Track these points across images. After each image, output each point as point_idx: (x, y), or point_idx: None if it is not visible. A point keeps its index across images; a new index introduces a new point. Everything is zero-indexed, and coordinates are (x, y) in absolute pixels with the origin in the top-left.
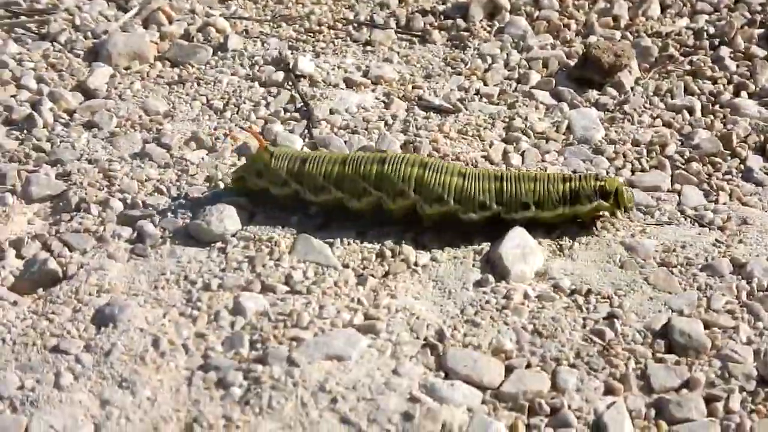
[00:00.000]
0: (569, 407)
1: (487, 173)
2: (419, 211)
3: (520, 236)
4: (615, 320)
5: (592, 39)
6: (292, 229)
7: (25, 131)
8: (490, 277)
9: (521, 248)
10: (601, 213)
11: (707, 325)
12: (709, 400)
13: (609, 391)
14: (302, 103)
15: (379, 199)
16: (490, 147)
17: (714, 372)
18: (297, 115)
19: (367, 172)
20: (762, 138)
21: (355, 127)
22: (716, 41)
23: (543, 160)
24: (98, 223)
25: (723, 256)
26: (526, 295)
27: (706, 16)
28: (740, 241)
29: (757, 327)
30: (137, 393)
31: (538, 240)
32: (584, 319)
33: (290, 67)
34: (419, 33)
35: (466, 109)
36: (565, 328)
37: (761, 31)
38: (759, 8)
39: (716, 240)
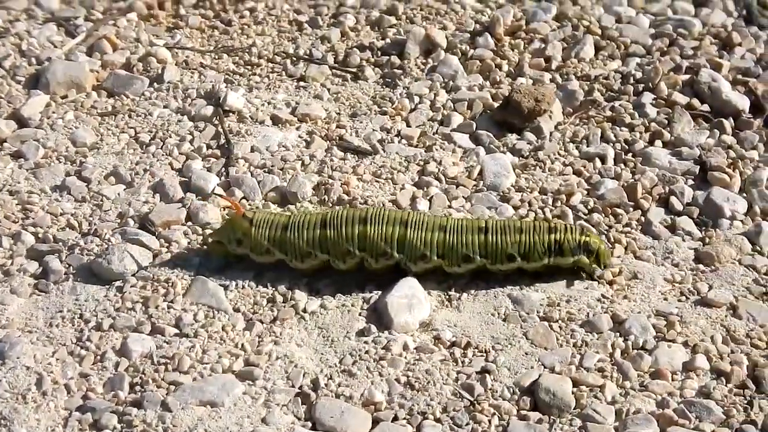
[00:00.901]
0: None
1: (471, 225)
2: (404, 268)
3: (409, 286)
4: (487, 375)
5: (520, 81)
6: (191, 271)
7: None
8: (373, 327)
9: (408, 298)
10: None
11: (576, 383)
12: None
13: None
14: (225, 140)
15: (363, 259)
16: (400, 191)
17: (572, 431)
18: (218, 152)
19: (350, 234)
20: (667, 190)
21: (272, 166)
22: (641, 86)
23: (450, 206)
24: (7, 256)
25: (605, 312)
26: (405, 347)
27: (638, 59)
28: (625, 297)
29: (624, 386)
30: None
31: (428, 290)
32: (458, 372)
33: (220, 101)
34: (354, 69)
35: (384, 151)
36: (438, 381)
37: (686, 77)
38: (690, 52)
39: (602, 295)
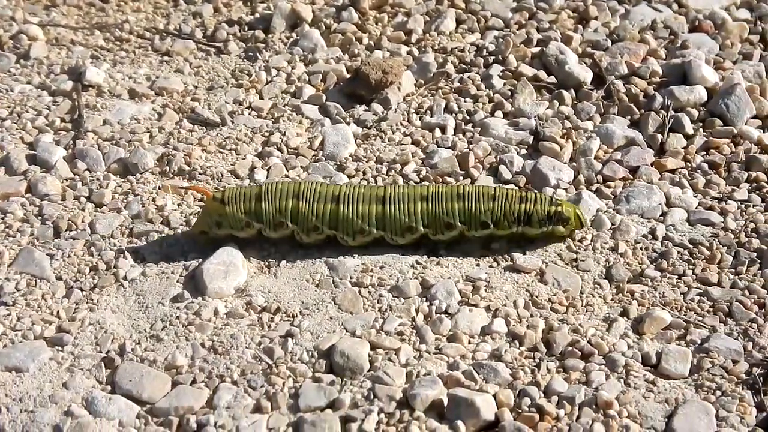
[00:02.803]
0: (215, 424)
1: (450, 192)
2: (389, 242)
3: (228, 253)
4: (289, 339)
5: (377, 54)
6: (22, 241)
7: None
8: (188, 293)
9: (225, 265)
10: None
11: (373, 347)
12: (347, 420)
13: (258, 409)
14: (78, 114)
15: (334, 236)
16: (241, 161)
17: (362, 393)
18: (70, 125)
19: (320, 212)
20: (497, 159)
21: (120, 138)
22: (491, 59)
23: (287, 176)
24: None
25: (415, 278)
26: (216, 312)
27: (496, 32)
28: (437, 264)
29: (419, 349)
30: None
31: (249, 258)
32: (262, 336)
33: (80, 76)
34: (219, 44)
35: (233, 123)
36: (241, 345)
37: (536, 49)
38: (547, 26)
39: (416, 261)
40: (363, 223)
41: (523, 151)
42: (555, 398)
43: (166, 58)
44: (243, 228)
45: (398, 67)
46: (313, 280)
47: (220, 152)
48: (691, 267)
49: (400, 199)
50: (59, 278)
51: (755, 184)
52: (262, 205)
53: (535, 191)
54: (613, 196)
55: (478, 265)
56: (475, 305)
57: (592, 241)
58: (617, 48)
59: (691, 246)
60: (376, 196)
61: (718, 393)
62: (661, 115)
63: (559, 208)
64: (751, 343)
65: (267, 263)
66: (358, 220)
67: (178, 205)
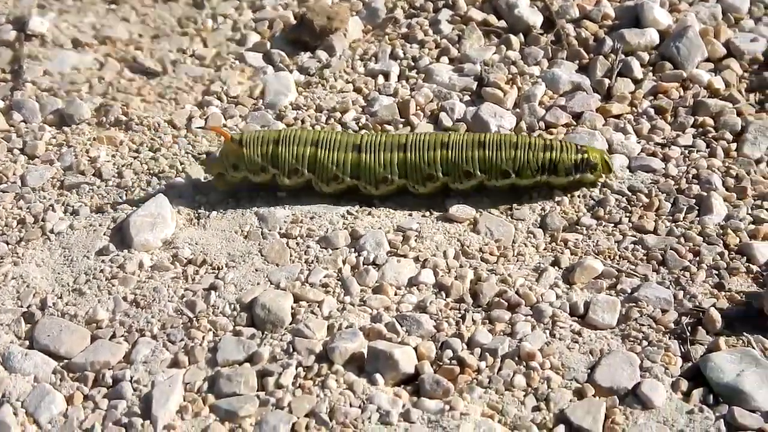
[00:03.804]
0: (130, 379)
1: (471, 140)
2: (411, 190)
3: (156, 204)
4: (213, 292)
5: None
6: None
7: None
8: (113, 246)
9: (153, 217)
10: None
11: (297, 299)
12: (264, 374)
13: (175, 363)
14: (18, 65)
15: (356, 185)
16: (179, 110)
17: (281, 346)
18: (9, 76)
19: (341, 161)
20: (439, 106)
21: (59, 89)
22: (441, 3)
23: (225, 125)
24: None
25: (344, 228)
26: (140, 265)
27: None
28: (369, 214)
29: (343, 301)
30: None
31: (178, 208)
32: (186, 290)
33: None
34: None
35: (174, 72)
36: (163, 299)
37: None
38: None
39: (347, 212)
40: (385, 171)
41: (466, 98)
42: (478, 350)
43: (113, 6)
44: (259, 172)
45: (344, 13)
46: (242, 231)
47: (159, 102)
48: (627, 215)
49: (421, 146)
50: None
51: (701, 129)
52: (280, 149)
53: (561, 139)
54: None
55: (410, 215)
56: (404, 256)
57: (528, 189)
58: None
59: (630, 193)
60: (397, 143)
61: (645, 343)
62: (610, 59)
63: (586, 155)
64: (682, 292)
65: (197, 214)
66: (380, 168)
67: (112, 156)
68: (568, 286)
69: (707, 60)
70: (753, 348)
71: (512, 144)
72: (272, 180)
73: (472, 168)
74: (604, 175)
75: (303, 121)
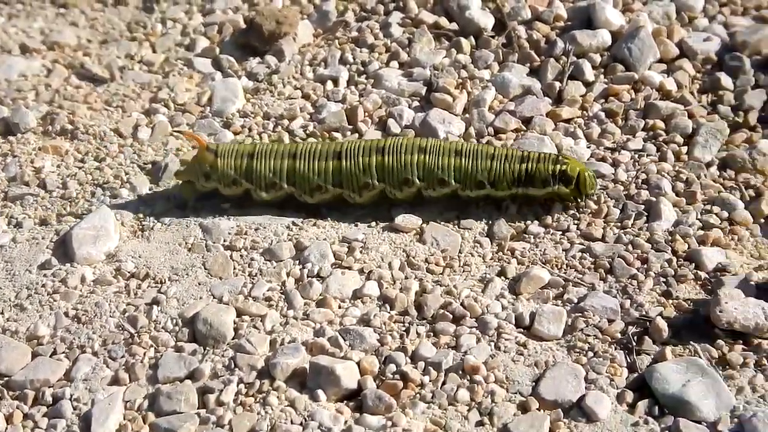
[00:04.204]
0: (70, 397)
1: (448, 148)
2: (389, 195)
3: (99, 217)
4: (155, 306)
5: (276, 3)
6: None
7: None
8: (55, 260)
9: (96, 230)
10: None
11: (240, 313)
12: (205, 391)
13: (115, 381)
14: None
15: (340, 194)
16: (126, 118)
17: (222, 362)
18: None
19: (322, 170)
20: (387, 112)
21: (5, 97)
22: (392, 6)
23: (172, 134)
24: None
25: (289, 240)
26: (83, 279)
27: None
28: (314, 225)
29: (287, 315)
30: None
31: (122, 220)
32: (128, 304)
33: None
34: None
35: (122, 78)
36: (105, 314)
37: None
38: None
39: (292, 223)
40: (365, 177)
41: (416, 104)
42: (421, 364)
43: (62, 10)
44: (230, 184)
45: (293, 17)
46: (186, 243)
47: (106, 110)
48: (576, 222)
49: (398, 149)
50: None
51: (651, 133)
52: (255, 163)
53: (543, 152)
54: None
55: (356, 225)
56: (349, 268)
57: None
58: None
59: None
60: (377, 147)
61: (590, 354)
62: (561, 62)
63: (564, 167)
64: (629, 301)
65: (141, 226)
66: (360, 174)
67: (57, 166)
68: (514, 296)
69: (660, 61)
70: (699, 357)
71: (489, 154)
72: (243, 194)
73: (446, 176)
74: (582, 196)
75: (250, 129)
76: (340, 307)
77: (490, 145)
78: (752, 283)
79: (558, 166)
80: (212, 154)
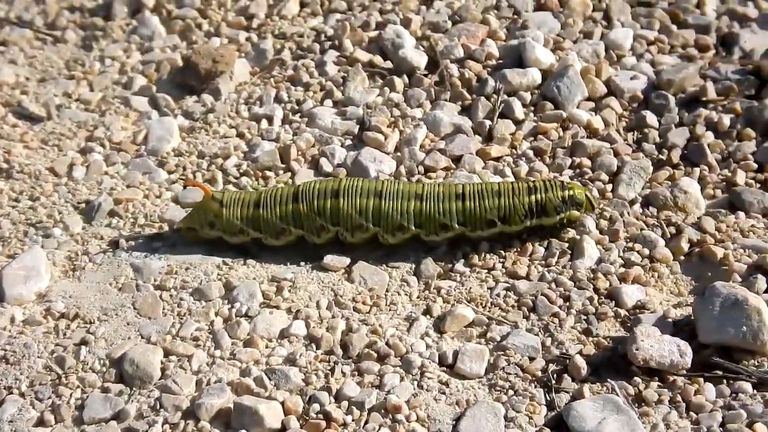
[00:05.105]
0: None
1: (448, 191)
2: (381, 240)
3: (31, 257)
4: (83, 347)
5: (215, 41)
6: None
7: None
8: None
9: (27, 270)
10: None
11: (167, 353)
12: None
13: (41, 422)
14: None
15: (337, 233)
16: (61, 158)
17: (148, 403)
18: None
19: (322, 208)
20: (320, 151)
21: None
22: (328, 44)
23: (106, 173)
24: None
25: (218, 280)
26: (12, 320)
27: (338, 16)
28: (244, 264)
29: (213, 355)
30: None
31: (54, 260)
32: (56, 345)
33: None
34: (57, 32)
35: (59, 117)
36: (33, 355)
37: (374, 33)
38: (390, 7)
39: (223, 262)
40: (360, 218)
41: (348, 142)
42: (345, 403)
43: (1, 48)
44: (237, 233)
45: (230, 56)
46: (116, 283)
47: (42, 148)
48: (501, 260)
49: (396, 195)
50: None
51: (578, 170)
52: (261, 211)
53: (544, 178)
54: None
55: (285, 264)
56: (277, 307)
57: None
58: (456, 30)
59: (504, 238)
60: (375, 190)
61: (510, 392)
62: (492, 100)
63: (572, 192)
64: (550, 339)
65: (72, 266)
66: (355, 215)
67: None
68: (438, 335)
69: (588, 99)
70: (616, 394)
71: (494, 192)
72: (250, 242)
73: (449, 221)
74: (587, 213)
75: (185, 168)
76: (266, 347)
77: (491, 182)
78: (669, 320)
79: (567, 192)
80: (217, 203)
